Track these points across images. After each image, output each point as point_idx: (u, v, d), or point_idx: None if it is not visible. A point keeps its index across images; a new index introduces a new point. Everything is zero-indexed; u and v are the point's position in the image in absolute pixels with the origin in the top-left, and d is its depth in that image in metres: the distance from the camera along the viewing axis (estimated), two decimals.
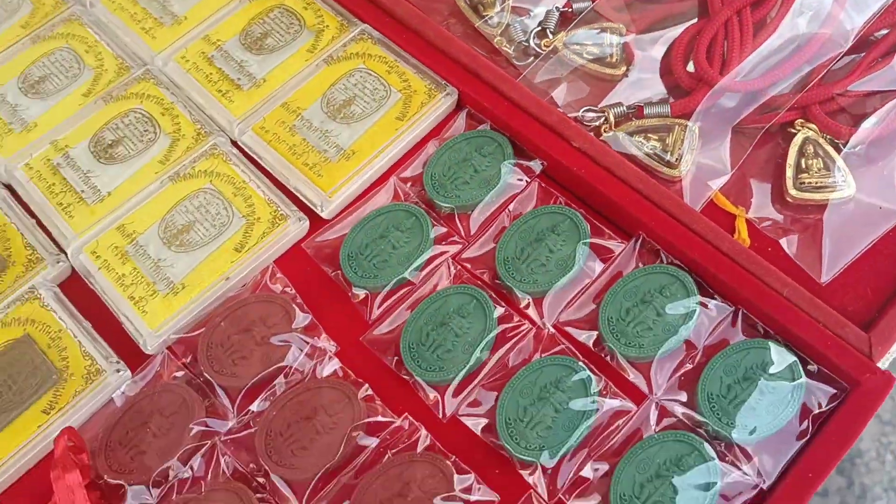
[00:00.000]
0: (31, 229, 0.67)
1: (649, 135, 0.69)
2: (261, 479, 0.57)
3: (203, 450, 0.58)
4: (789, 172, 0.66)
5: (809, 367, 0.58)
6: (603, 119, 0.69)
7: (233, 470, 0.58)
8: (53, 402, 0.59)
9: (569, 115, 0.69)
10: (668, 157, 0.67)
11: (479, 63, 0.71)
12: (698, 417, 0.57)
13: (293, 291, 0.64)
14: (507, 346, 0.61)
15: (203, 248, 0.65)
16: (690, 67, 0.71)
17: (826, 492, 0.81)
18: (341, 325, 0.63)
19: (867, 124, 0.66)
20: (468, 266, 0.64)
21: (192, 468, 0.58)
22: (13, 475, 0.58)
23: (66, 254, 0.66)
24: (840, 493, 0.85)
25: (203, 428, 0.59)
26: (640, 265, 0.63)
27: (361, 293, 0.64)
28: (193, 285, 0.63)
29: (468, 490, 0.55)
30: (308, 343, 0.61)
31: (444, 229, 0.66)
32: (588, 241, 0.64)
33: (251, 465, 0.58)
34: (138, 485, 0.57)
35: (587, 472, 0.56)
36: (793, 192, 0.65)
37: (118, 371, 0.61)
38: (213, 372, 0.61)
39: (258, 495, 0.56)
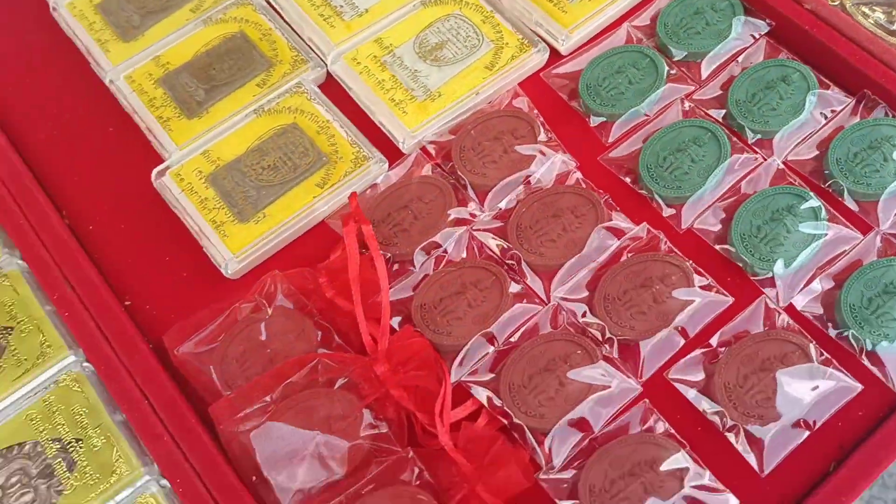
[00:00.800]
0: (294, 35, 0.73)
1: (874, 7, 0.72)
2: (510, 262, 0.63)
3: (458, 234, 0.64)
4: None
5: None
6: None
7: (484, 256, 0.64)
8: (325, 178, 0.66)
9: None
10: (892, 27, 0.71)
11: None
12: None
13: (536, 112, 0.69)
14: (740, 174, 0.66)
15: (455, 65, 0.70)
16: None
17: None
18: (579, 146, 0.68)
19: None
20: (700, 107, 0.69)
21: (446, 250, 0.64)
22: (288, 238, 0.65)
23: (324, 62, 0.72)
24: None
25: (458, 215, 0.65)
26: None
27: (598, 120, 0.69)
28: (447, 95, 0.69)
29: (705, 289, 0.61)
30: (551, 156, 0.67)
31: (676, 72, 0.71)
32: (816, 91, 0.68)
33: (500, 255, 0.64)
34: (400, 258, 0.64)
35: (815, 285, 0.61)
36: None
37: (380, 162, 0.67)
38: (465, 171, 0.67)
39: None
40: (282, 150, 0.67)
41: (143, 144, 0.71)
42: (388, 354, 0.57)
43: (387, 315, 0.57)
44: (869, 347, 0.58)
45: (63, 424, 0.56)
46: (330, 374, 0.57)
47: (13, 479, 0.55)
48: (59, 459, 0.55)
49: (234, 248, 0.63)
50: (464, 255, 0.64)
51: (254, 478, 0.56)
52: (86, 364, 0.59)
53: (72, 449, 0.56)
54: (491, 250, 0.64)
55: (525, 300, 0.62)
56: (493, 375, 0.59)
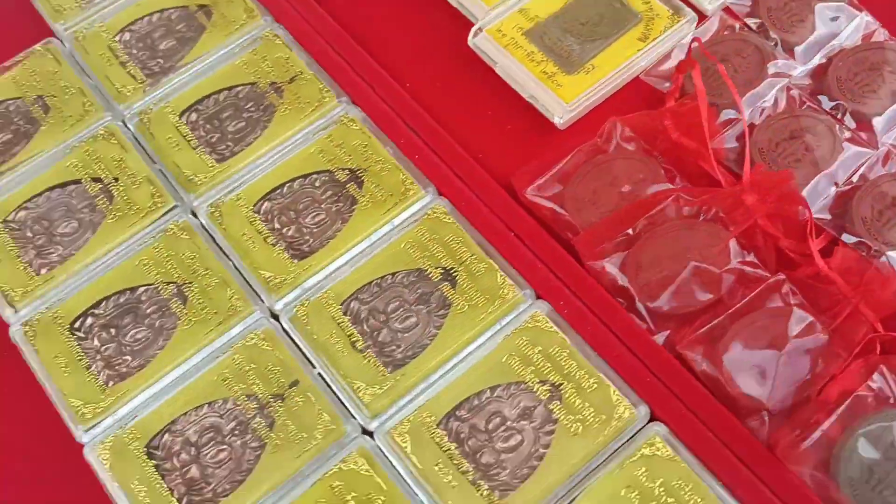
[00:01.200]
0: None
1: None
2: (832, 112, 0.65)
3: (779, 86, 0.66)
4: None
5: None
6: None
7: (804, 107, 0.66)
8: (646, 33, 0.68)
9: None
10: None
11: None
12: None
13: None
14: None
15: None
16: None
17: None
18: (878, 9, 0.70)
19: None
20: None
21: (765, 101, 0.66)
22: (609, 91, 0.67)
23: None
24: None
25: (776, 69, 0.67)
26: None
27: None
28: None
29: None
30: (856, 15, 0.69)
31: None
32: None
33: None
34: (724, 106, 0.66)
35: None
36: None
37: (692, 20, 0.69)
38: (776, 29, 0.69)
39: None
40: (596, 7, 0.69)
41: (437, 6, 0.73)
42: (753, 186, 0.59)
43: (749, 147, 0.60)
44: None
45: (441, 252, 0.59)
46: (691, 207, 0.60)
47: (393, 304, 0.58)
48: (446, 283, 0.58)
49: (566, 97, 0.65)
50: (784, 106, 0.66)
51: (621, 300, 0.58)
52: (444, 200, 0.62)
53: (456, 274, 0.58)
54: (813, 101, 0.66)
55: (856, 145, 0.64)
56: (830, 216, 0.61)
